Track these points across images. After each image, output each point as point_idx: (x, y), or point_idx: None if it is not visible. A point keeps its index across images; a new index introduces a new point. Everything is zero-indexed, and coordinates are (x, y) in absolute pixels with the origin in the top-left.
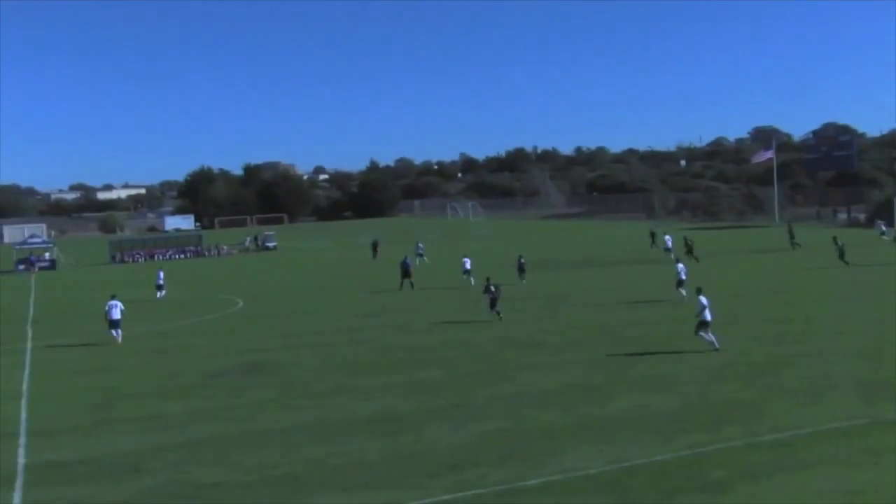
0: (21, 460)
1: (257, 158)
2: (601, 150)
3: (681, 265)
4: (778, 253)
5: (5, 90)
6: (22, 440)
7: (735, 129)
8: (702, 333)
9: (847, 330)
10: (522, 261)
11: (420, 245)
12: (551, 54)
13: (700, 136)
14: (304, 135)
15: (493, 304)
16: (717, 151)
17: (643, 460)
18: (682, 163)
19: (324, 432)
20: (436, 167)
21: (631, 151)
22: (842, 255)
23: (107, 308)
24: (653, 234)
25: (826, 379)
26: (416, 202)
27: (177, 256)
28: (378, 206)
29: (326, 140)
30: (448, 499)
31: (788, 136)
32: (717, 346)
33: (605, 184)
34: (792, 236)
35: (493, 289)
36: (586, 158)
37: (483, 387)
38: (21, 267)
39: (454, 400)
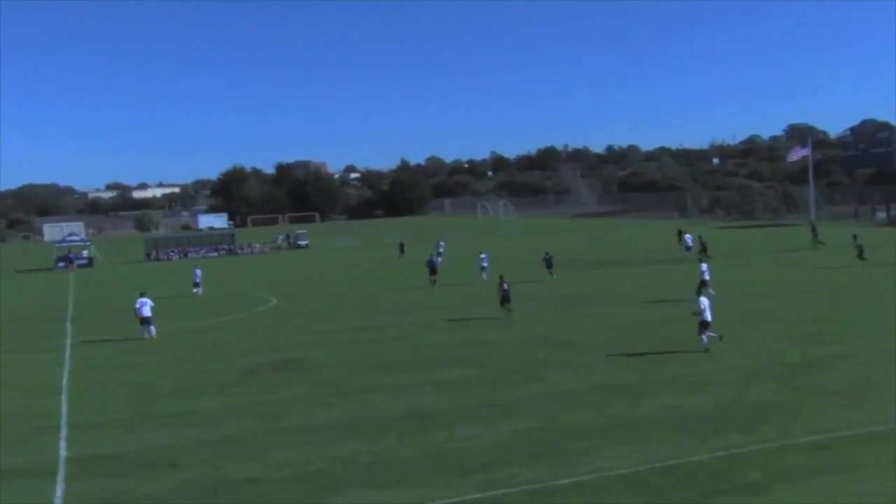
0: (63, 453)
1: (289, 157)
2: (633, 149)
3: (705, 265)
4: (801, 252)
5: (45, 93)
6: (63, 433)
7: (769, 127)
8: (702, 336)
9: (885, 331)
10: (549, 256)
11: (441, 243)
12: (582, 53)
13: (733, 134)
14: (336, 134)
15: (503, 301)
16: (750, 149)
17: (676, 461)
18: (715, 161)
19: (355, 430)
20: (466, 166)
21: (663, 149)
22: (860, 254)
23: (137, 306)
24: (680, 233)
25: (865, 381)
26: (447, 201)
27: (210, 254)
28: (409, 205)
29: (357, 139)
30: (479, 497)
31: (824, 133)
32: (708, 348)
33: (637, 182)
34: (815, 235)
35: (504, 286)
36: (617, 157)
37: (514, 386)
38: (60, 264)
39: (485, 399)
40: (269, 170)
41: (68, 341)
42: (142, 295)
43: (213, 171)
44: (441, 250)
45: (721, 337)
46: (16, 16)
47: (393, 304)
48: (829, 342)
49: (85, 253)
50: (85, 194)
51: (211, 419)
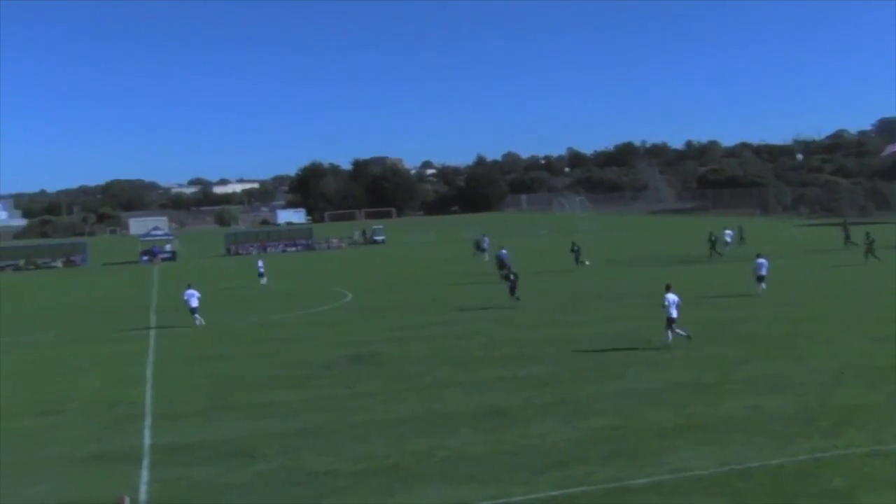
0: (147, 441)
1: (366, 153)
2: (713, 144)
3: (762, 260)
4: (888, 251)
5: (131, 94)
6: (147, 422)
7: (858, 121)
8: (668, 331)
9: None
10: (577, 248)
11: (485, 239)
12: (662, 48)
13: (819, 128)
14: (413, 130)
15: (512, 290)
16: (837, 144)
17: (757, 463)
18: (799, 156)
19: (431, 425)
20: (543, 162)
21: (744, 145)
22: (870, 251)
23: (185, 297)
24: (713, 240)
25: None
26: (523, 197)
27: (288, 249)
28: (485, 201)
29: (434, 135)
30: (555, 495)
31: None
32: (670, 344)
33: (717, 178)
34: (847, 235)
35: (512, 277)
36: (697, 152)
37: (590, 383)
38: (145, 258)
39: (560, 396)
40: (347, 166)
41: (152, 332)
42: (189, 287)
43: (291, 167)
44: (486, 247)
45: (689, 337)
46: (105, 20)
47: (469, 299)
48: None
49: (168, 247)
50: (168, 190)
51: (289, 411)
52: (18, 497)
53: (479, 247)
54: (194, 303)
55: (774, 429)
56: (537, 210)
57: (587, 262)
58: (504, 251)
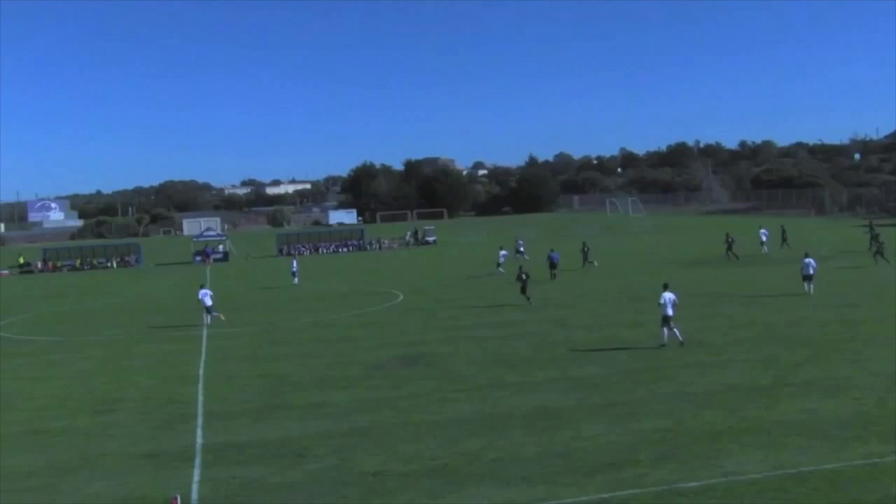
0: (199, 440)
1: (418, 154)
2: (767, 144)
3: (809, 259)
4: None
5: (188, 98)
6: (199, 421)
7: None
8: (664, 329)
9: None
10: (587, 248)
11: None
12: (716, 47)
13: (877, 128)
14: (465, 130)
15: (523, 289)
16: None
17: (812, 468)
18: (857, 156)
19: (481, 426)
20: (595, 162)
21: (799, 145)
22: (875, 247)
23: (200, 296)
24: (730, 242)
25: None
26: (575, 197)
27: (340, 250)
28: (536, 202)
29: (486, 136)
30: (605, 497)
31: None
32: (665, 342)
33: (771, 179)
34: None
35: (524, 276)
36: (751, 152)
37: (642, 385)
38: (198, 258)
39: (612, 398)
40: (399, 166)
41: (205, 332)
42: (202, 287)
43: (343, 168)
44: (522, 249)
45: (682, 343)
46: (159, 25)
47: (521, 300)
48: None
49: (221, 247)
50: (221, 190)
51: (340, 411)
52: (76, 494)
53: (517, 250)
54: (208, 301)
55: (830, 433)
56: (590, 210)
57: (595, 263)
58: (555, 253)
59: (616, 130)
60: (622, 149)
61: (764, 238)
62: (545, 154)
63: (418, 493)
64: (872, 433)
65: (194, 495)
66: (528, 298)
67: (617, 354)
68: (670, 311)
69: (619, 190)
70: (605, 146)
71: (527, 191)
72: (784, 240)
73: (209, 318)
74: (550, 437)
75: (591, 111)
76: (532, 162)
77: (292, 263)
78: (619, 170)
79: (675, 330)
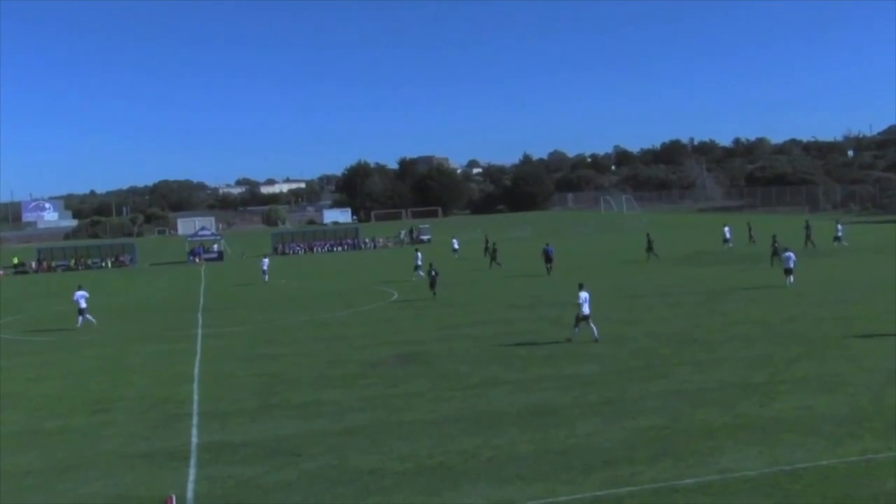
0: (194, 439)
1: (412, 153)
2: (762, 141)
3: (789, 253)
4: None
5: (181, 96)
6: (194, 420)
7: None
8: (576, 328)
9: None
10: (549, 249)
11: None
12: (710, 45)
13: (871, 124)
14: (459, 129)
15: (432, 285)
16: (890, 140)
17: (807, 464)
18: (850, 153)
19: (477, 424)
20: (589, 160)
21: (793, 142)
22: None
23: (75, 298)
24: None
25: None
26: (570, 195)
27: (334, 249)
28: (531, 200)
29: (480, 134)
30: (601, 495)
31: None
32: (572, 338)
33: (766, 176)
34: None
35: (433, 273)
36: (746, 149)
37: (637, 382)
38: (192, 258)
39: (608, 395)
40: (393, 165)
41: (199, 332)
42: (79, 288)
43: (338, 167)
44: (456, 247)
45: (596, 340)
46: (151, 23)
47: (517, 297)
48: None
49: (216, 247)
50: (216, 190)
51: (335, 410)
52: (73, 494)
53: (452, 248)
54: (83, 303)
55: (825, 429)
56: (584, 208)
57: (552, 271)
58: (551, 247)
59: (610, 128)
60: (616, 146)
61: (727, 235)
62: (539, 152)
63: (414, 491)
64: (867, 429)
65: (190, 494)
66: (434, 294)
67: (611, 352)
68: (587, 310)
69: (614, 187)
70: (599, 144)
71: (521, 189)
72: (751, 237)
73: (81, 320)
74: (546, 435)
75: (585, 109)
76: (526, 160)
77: (263, 262)
78: (613, 167)
79: (591, 326)
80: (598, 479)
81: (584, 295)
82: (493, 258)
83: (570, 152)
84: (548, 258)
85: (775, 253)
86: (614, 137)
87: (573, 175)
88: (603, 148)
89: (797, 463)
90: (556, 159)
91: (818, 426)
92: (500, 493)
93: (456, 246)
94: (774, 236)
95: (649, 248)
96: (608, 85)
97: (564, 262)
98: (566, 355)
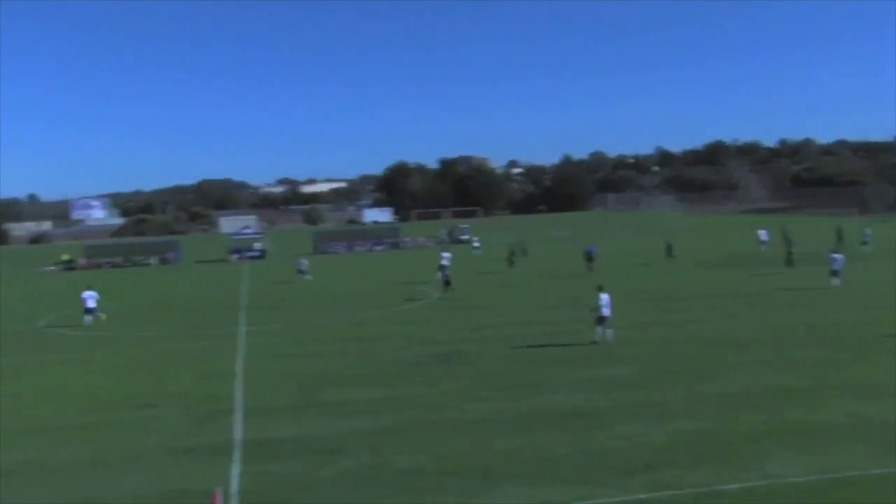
0: (237, 435)
1: (452, 152)
2: (808, 142)
3: (837, 255)
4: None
5: (222, 97)
6: (236, 417)
7: None
8: (599, 327)
9: None
10: (591, 249)
11: (302, 262)
12: (755, 44)
13: None
14: (499, 129)
15: (447, 283)
16: None
17: (856, 473)
18: None
19: (516, 425)
20: (631, 161)
21: (841, 143)
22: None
23: (83, 298)
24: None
25: None
26: (610, 196)
27: (375, 248)
28: (571, 200)
29: (520, 134)
30: (643, 498)
31: None
32: (597, 340)
33: (812, 177)
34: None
35: (445, 274)
36: (791, 150)
37: (677, 385)
38: (235, 256)
39: (648, 398)
40: (432, 165)
41: (242, 329)
42: (88, 288)
43: (378, 167)
44: (477, 245)
45: (609, 343)
46: (196, 23)
47: (556, 298)
48: None
49: (258, 245)
50: (258, 189)
51: (374, 409)
52: (118, 487)
53: (512, 256)
54: (91, 303)
55: (875, 437)
56: (625, 209)
57: (592, 271)
58: (593, 247)
59: (652, 129)
60: (658, 147)
61: (763, 237)
62: (580, 153)
63: (453, 492)
64: None
65: (234, 489)
66: (450, 290)
67: (652, 354)
68: (606, 312)
69: (655, 189)
70: (640, 144)
71: (561, 189)
72: (786, 239)
73: (88, 319)
74: (585, 437)
75: (627, 109)
76: (567, 160)
77: (301, 262)
78: (654, 168)
79: (608, 330)
80: (640, 483)
81: (604, 297)
82: (512, 260)
83: (612, 153)
84: (589, 258)
85: (790, 254)
86: (656, 138)
87: (614, 176)
88: (644, 149)
89: (845, 471)
90: (597, 160)
91: (868, 433)
92: (541, 494)
93: (476, 245)
94: (786, 234)
95: (668, 253)
96: (650, 85)
97: (602, 263)
98: (604, 357)
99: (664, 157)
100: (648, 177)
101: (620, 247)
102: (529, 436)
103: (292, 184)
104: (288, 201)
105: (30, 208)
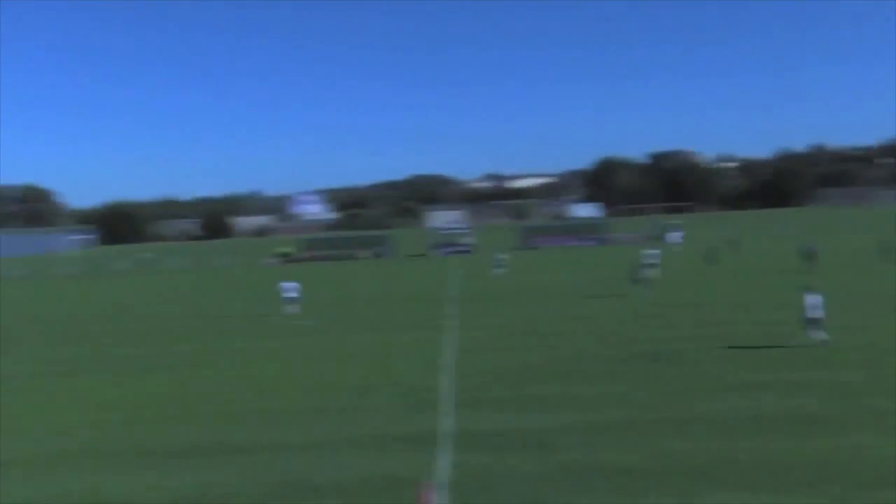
0: (447, 426)
1: (663, 146)
2: None
3: None
4: None
5: (435, 99)
6: (445, 408)
7: None
8: (817, 330)
9: None
10: (811, 247)
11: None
12: None
13: None
14: (710, 121)
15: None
16: None
17: None
18: None
19: (734, 427)
20: (856, 153)
21: None
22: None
23: (283, 289)
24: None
25: None
26: (832, 191)
27: (582, 243)
28: (787, 196)
29: (733, 126)
30: None
31: None
32: (828, 340)
33: None
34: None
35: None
36: None
37: None
38: (442, 251)
39: (880, 406)
40: (642, 159)
41: (452, 322)
42: (287, 281)
43: (584, 161)
44: (678, 241)
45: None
46: (408, 36)
47: (780, 297)
48: None
49: (465, 240)
50: (464, 184)
51: (585, 404)
52: (334, 471)
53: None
54: (293, 294)
55: None
56: (850, 205)
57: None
58: (813, 245)
59: (878, 117)
60: (886, 139)
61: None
62: (797, 144)
63: (668, 493)
64: None
65: (443, 480)
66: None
67: (879, 360)
68: (818, 314)
69: (885, 182)
70: (865, 135)
71: (778, 184)
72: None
73: (290, 310)
74: (810, 444)
75: (850, 99)
76: (784, 153)
77: (498, 258)
78: (883, 161)
79: (817, 331)
80: (873, 497)
81: (813, 298)
82: (715, 257)
83: (833, 144)
84: (810, 257)
85: None
86: (884, 127)
87: (837, 169)
88: (870, 139)
89: None
90: (816, 153)
91: None
92: (760, 501)
93: (678, 240)
94: None
95: (809, 258)
96: (873, 72)
97: (826, 262)
98: (828, 360)
99: (894, 149)
100: (876, 170)
101: (842, 245)
102: (748, 439)
103: (498, 179)
104: (493, 196)
105: (253, 203)
